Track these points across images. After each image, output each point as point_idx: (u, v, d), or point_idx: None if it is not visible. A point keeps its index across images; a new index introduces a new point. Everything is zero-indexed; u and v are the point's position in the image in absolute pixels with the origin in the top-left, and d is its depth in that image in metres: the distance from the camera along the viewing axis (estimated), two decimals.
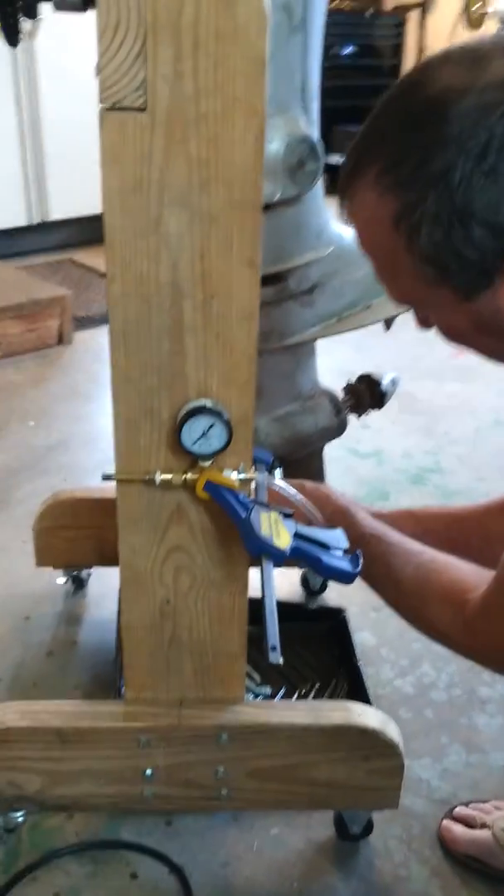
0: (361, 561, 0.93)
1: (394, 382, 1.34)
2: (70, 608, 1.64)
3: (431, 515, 1.11)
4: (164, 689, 1.09)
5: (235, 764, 1.09)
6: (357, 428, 2.42)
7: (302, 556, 0.90)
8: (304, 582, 1.68)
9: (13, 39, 0.88)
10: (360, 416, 1.38)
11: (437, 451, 2.33)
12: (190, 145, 0.80)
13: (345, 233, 1.21)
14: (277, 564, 0.88)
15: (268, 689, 1.42)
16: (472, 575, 0.91)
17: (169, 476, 0.93)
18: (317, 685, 1.44)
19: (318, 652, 1.51)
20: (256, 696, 1.41)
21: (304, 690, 1.43)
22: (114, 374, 0.90)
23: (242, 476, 0.94)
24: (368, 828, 1.18)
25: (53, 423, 2.44)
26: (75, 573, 1.67)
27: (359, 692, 1.40)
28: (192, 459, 0.92)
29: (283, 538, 0.88)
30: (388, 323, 1.26)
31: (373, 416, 2.64)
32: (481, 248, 0.70)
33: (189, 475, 0.93)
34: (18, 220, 3.72)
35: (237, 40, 0.76)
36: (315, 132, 1.09)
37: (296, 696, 1.41)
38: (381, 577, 0.99)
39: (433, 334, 0.83)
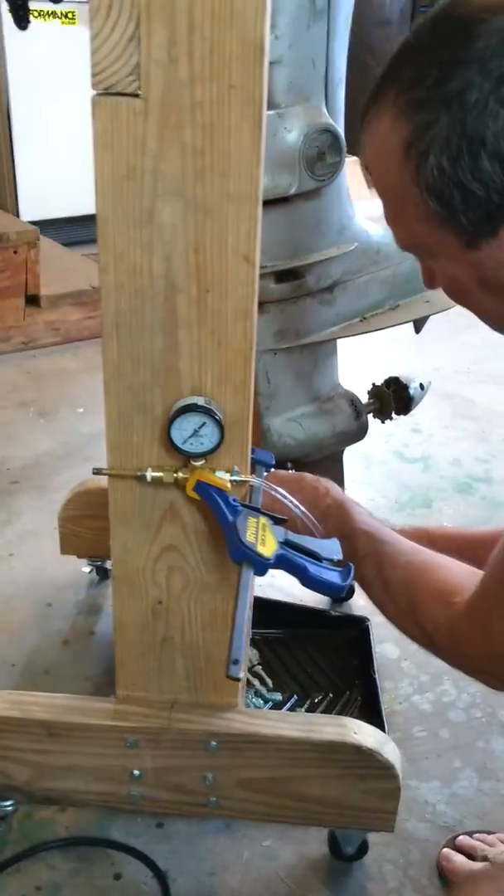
0: (353, 574, 0.88)
1: (423, 387, 1.28)
2: (92, 598, 1.64)
3: (446, 537, 1.05)
4: (156, 690, 1.07)
5: (225, 772, 1.06)
6: (407, 431, 2.37)
7: (287, 565, 0.86)
8: None
9: (23, 24, 0.86)
10: (383, 421, 1.33)
11: (488, 460, 2.25)
12: (185, 133, 0.76)
13: (371, 229, 1.16)
14: (259, 573, 0.84)
15: (279, 696, 1.39)
16: (463, 576, 0.86)
17: (160, 474, 0.91)
18: (330, 695, 1.40)
19: (336, 661, 1.47)
20: (266, 701, 1.38)
21: (316, 699, 1.39)
22: (106, 366, 0.88)
23: (235, 478, 0.91)
24: (363, 849, 1.13)
25: (102, 411, 2.44)
26: (99, 563, 1.67)
27: (372, 706, 1.35)
28: (185, 458, 0.90)
29: (268, 545, 0.85)
30: (419, 326, 1.21)
31: (424, 419, 2.59)
32: (488, 184, 0.66)
33: (180, 474, 0.90)
34: (84, 208, 3.76)
35: (234, 24, 0.72)
36: (338, 123, 1.04)
37: (307, 704, 1.38)
38: (369, 576, 0.96)
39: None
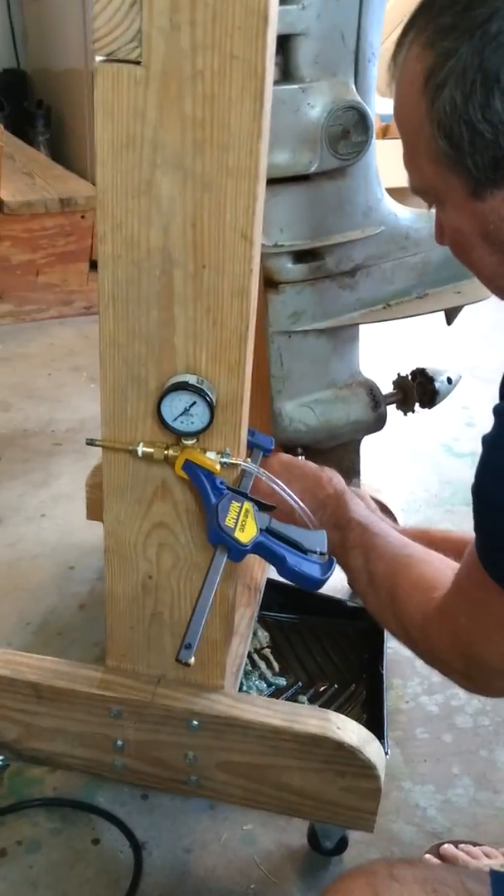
0: (333, 569, 0.86)
1: (450, 381, 1.23)
2: None
3: (447, 539, 1.01)
4: (144, 664, 1.07)
5: (205, 753, 1.06)
6: (460, 424, 2.31)
7: (265, 552, 0.84)
8: None
9: None
10: (405, 413, 1.28)
11: None
12: (185, 104, 0.74)
13: (401, 213, 1.11)
14: (235, 558, 0.83)
15: (283, 681, 1.37)
16: (447, 573, 0.83)
17: (151, 449, 0.90)
18: (335, 686, 1.38)
19: (346, 652, 1.45)
20: (270, 685, 1.37)
21: (321, 689, 1.37)
22: (102, 337, 0.87)
23: (225, 460, 0.89)
24: (342, 845, 1.12)
25: None
26: None
27: (375, 702, 1.33)
28: (177, 436, 0.89)
29: (247, 531, 0.83)
30: (451, 317, 1.16)
31: (480, 413, 2.52)
32: (497, 125, 0.63)
33: (170, 451, 0.89)
34: None
35: None
36: (368, 101, 1.00)
37: (310, 693, 1.36)
38: (356, 566, 0.93)
39: None
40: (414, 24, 0.68)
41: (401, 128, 0.73)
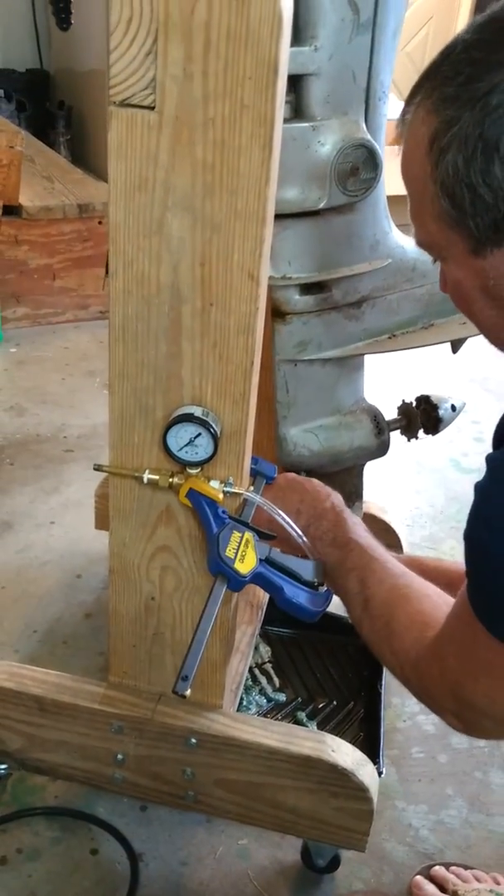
0: (328, 601, 0.88)
1: (454, 408, 1.25)
2: None
3: (438, 569, 1.03)
4: (146, 681, 1.10)
5: (203, 770, 1.08)
6: (468, 439, 2.32)
7: (264, 583, 0.87)
8: None
9: (64, 26, 0.87)
10: (409, 439, 1.30)
11: None
12: (196, 149, 0.77)
13: (408, 245, 1.13)
14: (234, 588, 0.85)
15: (283, 696, 1.40)
16: (443, 609, 0.84)
17: (156, 477, 0.93)
18: (334, 703, 1.40)
19: (346, 669, 1.47)
20: (270, 700, 1.39)
21: (320, 705, 1.40)
22: (112, 367, 0.90)
23: (228, 489, 0.91)
24: (334, 863, 1.14)
25: None
26: None
27: (373, 720, 1.35)
28: (182, 465, 0.91)
29: (247, 562, 0.85)
30: (456, 347, 1.18)
31: (491, 429, 2.53)
32: (497, 190, 0.67)
33: (175, 479, 0.92)
34: None
35: (249, 44, 0.72)
36: (378, 139, 1.02)
37: (309, 709, 1.38)
38: (352, 590, 0.94)
39: None
40: (421, 87, 0.71)
41: (407, 185, 0.76)
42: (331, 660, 1.48)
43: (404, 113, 0.74)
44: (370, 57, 0.96)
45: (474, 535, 0.71)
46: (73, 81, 3.68)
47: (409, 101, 0.73)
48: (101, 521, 1.63)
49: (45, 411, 2.26)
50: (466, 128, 0.66)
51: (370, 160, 1.00)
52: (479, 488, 0.71)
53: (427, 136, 0.69)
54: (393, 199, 1.13)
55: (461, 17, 3.77)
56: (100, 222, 2.70)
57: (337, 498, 1.04)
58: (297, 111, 1.01)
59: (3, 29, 3.69)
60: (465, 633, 0.75)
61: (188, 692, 0.74)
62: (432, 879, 1.13)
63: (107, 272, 2.78)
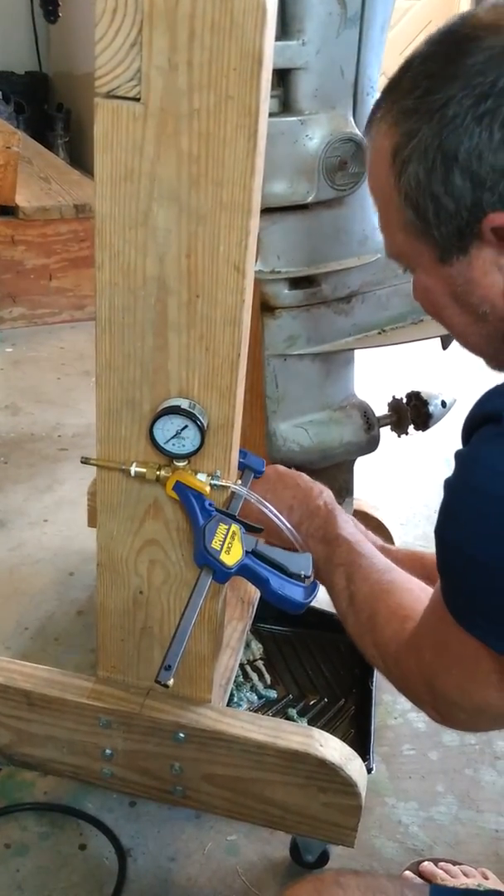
0: (316, 593, 0.88)
1: (445, 405, 1.25)
2: None
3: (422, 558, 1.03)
4: (134, 676, 1.10)
5: (191, 764, 1.08)
6: None
7: (250, 575, 0.87)
8: None
9: (51, 18, 0.87)
10: (399, 435, 1.30)
11: None
12: (182, 140, 0.77)
13: None
14: (220, 580, 0.85)
15: (274, 693, 1.39)
16: (424, 601, 0.84)
17: (143, 470, 0.93)
18: (325, 700, 1.40)
19: (337, 666, 1.47)
20: (261, 697, 1.39)
21: (311, 702, 1.39)
22: (98, 359, 0.90)
23: (215, 482, 0.91)
24: (323, 859, 1.14)
25: None
26: None
27: (364, 717, 1.35)
28: (169, 457, 0.91)
29: (233, 554, 0.85)
30: (446, 342, 1.18)
31: None
32: (458, 199, 0.68)
33: (162, 472, 0.92)
34: None
35: (233, 35, 0.72)
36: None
37: (300, 706, 1.38)
38: (339, 586, 0.95)
39: None
40: (384, 100, 0.72)
41: (374, 197, 0.77)
42: (322, 657, 1.48)
43: (369, 127, 0.75)
44: (358, 51, 0.97)
45: (444, 532, 0.72)
46: (71, 84, 3.69)
47: (372, 114, 0.74)
48: (94, 519, 1.62)
49: (39, 410, 2.26)
50: (426, 140, 0.67)
51: (358, 154, 1.00)
52: (448, 484, 0.71)
53: (390, 149, 0.70)
54: None
55: None
56: None
57: (329, 495, 1.04)
58: (285, 105, 1.01)
59: (1, 32, 3.70)
60: (439, 627, 0.75)
61: (171, 682, 0.74)
62: (421, 875, 1.13)
63: None
